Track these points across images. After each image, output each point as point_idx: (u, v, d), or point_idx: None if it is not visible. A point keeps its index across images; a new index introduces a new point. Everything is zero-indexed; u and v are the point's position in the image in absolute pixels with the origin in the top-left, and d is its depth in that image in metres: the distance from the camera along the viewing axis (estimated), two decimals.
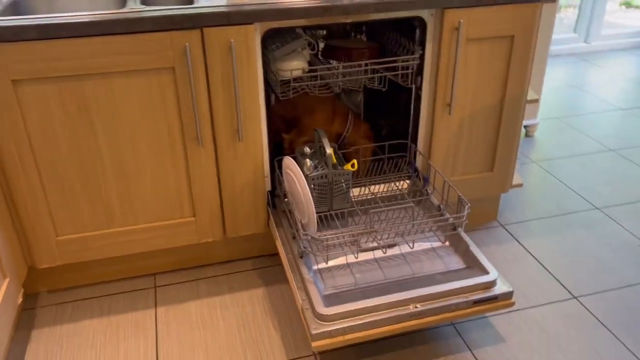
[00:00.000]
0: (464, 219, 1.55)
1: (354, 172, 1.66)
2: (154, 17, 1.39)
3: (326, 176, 1.60)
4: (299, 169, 1.52)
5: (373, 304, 1.36)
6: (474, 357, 1.51)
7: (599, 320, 1.62)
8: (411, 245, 1.59)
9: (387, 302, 1.37)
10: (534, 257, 1.90)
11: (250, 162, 1.65)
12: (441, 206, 1.71)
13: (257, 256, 1.89)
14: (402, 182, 1.88)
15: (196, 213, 1.68)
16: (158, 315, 1.66)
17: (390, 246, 1.61)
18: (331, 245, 1.54)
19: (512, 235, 2.01)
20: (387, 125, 2.07)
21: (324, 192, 1.62)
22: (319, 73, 1.67)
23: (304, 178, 1.51)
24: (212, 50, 1.47)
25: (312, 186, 1.61)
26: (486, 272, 1.46)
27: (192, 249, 1.83)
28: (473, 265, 1.52)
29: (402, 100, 1.92)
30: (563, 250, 1.92)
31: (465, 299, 1.41)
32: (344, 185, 1.62)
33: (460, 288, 1.41)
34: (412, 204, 1.71)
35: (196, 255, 1.85)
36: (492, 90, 1.78)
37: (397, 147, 1.96)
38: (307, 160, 1.67)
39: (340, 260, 1.57)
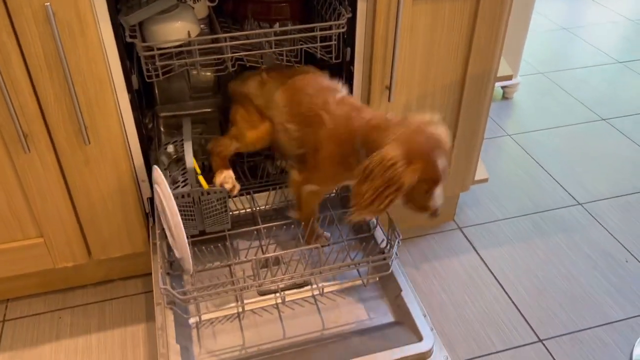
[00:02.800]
0: (393, 255, 1.14)
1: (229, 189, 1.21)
2: None
3: (188, 195, 1.16)
4: (167, 185, 1.08)
5: None
6: None
7: None
8: (320, 291, 1.18)
9: None
10: (493, 275, 1.52)
11: (109, 167, 1.20)
12: (372, 223, 1.30)
13: (144, 274, 1.48)
14: None
15: (44, 233, 1.25)
16: None
17: (300, 285, 1.21)
18: (198, 299, 1.13)
19: (470, 243, 1.62)
20: None
21: (190, 212, 1.19)
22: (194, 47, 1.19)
23: (172, 199, 1.08)
24: (22, 18, 0.98)
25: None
26: (419, 337, 1.08)
27: (55, 269, 1.42)
28: (404, 322, 1.13)
29: (335, 74, 1.45)
30: (530, 267, 1.54)
31: None
32: (217, 204, 1.19)
33: None
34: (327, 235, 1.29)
35: (62, 275, 1.43)
36: (449, 67, 1.31)
37: None
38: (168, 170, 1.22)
39: (230, 307, 1.17)
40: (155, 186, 1.14)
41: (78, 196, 1.22)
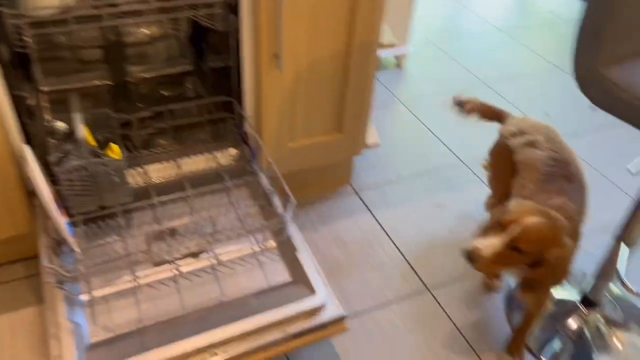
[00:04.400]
0: (288, 219, 1.18)
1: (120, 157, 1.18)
2: None
3: (84, 168, 1.13)
4: (34, 161, 1.04)
5: None
6: None
7: (448, 317, 1.38)
8: (218, 258, 1.20)
9: (173, 354, 1.00)
10: (386, 234, 1.61)
11: None
12: (269, 191, 1.33)
13: (32, 257, 1.42)
14: (226, 153, 1.45)
15: None
16: None
17: (195, 255, 1.22)
18: (88, 275, 1.11)
19: (365, 205, 1.70)
20: (206, 76, 1.59)
21: (86, 186, 1.16)
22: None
23: (40, 179, 1.03)
24: None
25: (67, 180, 1.13)
26: (312, 292, 1.13)
27: None
28: (299, 280, 1.18)
29: (225, 44, 1.44)
30: (420, 224, 1.65)
31: (282, 334, 1.07)
32: (115, 177, 1.16)
33: (276, 321, 1.07)
34: (225, 200, 1.30)
35: None
36: (334, 35, 1.35)
37: (222, 105, 1.51)
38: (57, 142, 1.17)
39: (124, 281, 1.16)
40: (27, 166, 1.09)
41: None
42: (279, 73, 1.33)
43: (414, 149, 1.95)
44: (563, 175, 1.17)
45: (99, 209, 1.22)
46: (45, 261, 1.01)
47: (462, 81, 2.35)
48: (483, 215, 1.68)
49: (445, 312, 1.39)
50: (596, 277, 1.30)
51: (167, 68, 1.77)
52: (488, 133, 2.07)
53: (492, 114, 1.46)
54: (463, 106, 1.50)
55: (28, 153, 1.05)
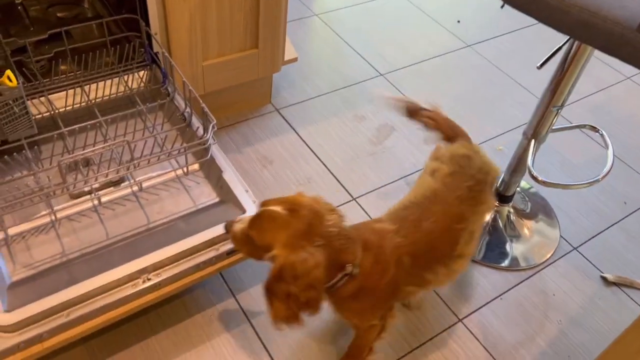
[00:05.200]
0: (209, 140, 1.15)
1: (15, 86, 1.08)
2: None
3: None
4: None
5: (82, 292, 0.96)
6: (239, 303, 1.24)
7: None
8: (139, 185, 1.16)
9: (104, 282, 0.98)
10: (310, 149, 1.62)
11: None
12: (186, 113, 1.28)
13: None
14: (136, 76, 1.37)
15: None
16: None
17: (116, 183, 1.17)
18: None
19: (288, 123, 1.69)
20: None
21: None
22: None
23: None
24: None
25: None
26: (242, 210, 1.13)
27: None
28: (228, 199, 1.17)
29: None
30: (342, 138, 1.67)
31: (215, 253, 1.08)
32: (15, 108, 1.07)
33: (207, 241, 1.07)
34: (142, 118, 1.24)
35: None
36: None
37: (127, 24, 1.41)
38: None
39: (42, 216, 1.10)
40: None
41: None
42: None
43: (332, 64, 1.93)
44: (422, 215, 1.00)
45: (1, 143, 1.12)
46: None
47: None
48: (403, 125, 1.73)
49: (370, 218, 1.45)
50: (509, 173, 1.39)
51: None
52: (403, 44, 2.09)
53: (451, 135, 1.16)
54: (416, 116, 1.21)
55: None
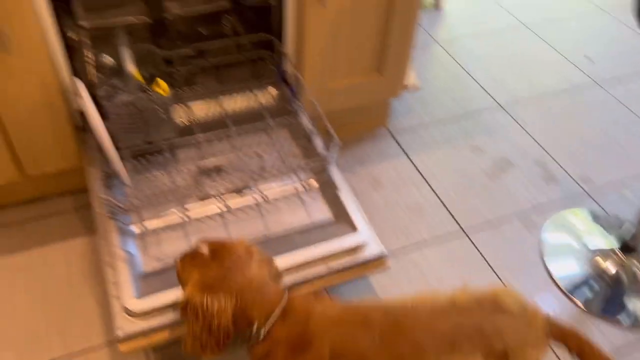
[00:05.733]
0: (331, 159, 1.19)
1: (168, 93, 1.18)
2: None
3: (132, 103, 1.14)
4: (88, 99, 1.05)
5: None
6: None
7: (484, 259, 1.41)
8: (264, 196, 1.23)
9: None
10: (422, 175, 1.62)
11: (35, 80, 1.14)
12: (310, 131, 1.33)
13: (79, 190, 1.46)
14: (266, 92, 1.45)
15: None
16: None
17: (240, 191, 1.25)
18: (140, 207, 1.14)
19: (401, 147, 1.70)
20: (244, 14, 1.56)
21: (134, 121, 1.17)
22: None
23: (94, 113, 1.05)
24: None
25: (115, 115, 1.15)
26: (354, 229, 1.16)
27: None
28: (341, 218, 1.20)
29: None
30: (456, 167, 1.65)
31: (326, 269, 1.11)
32: (161, 112, 1.18)
33: (321, 256, 1.11)
34: (266, 139, 1.30)
35: None
36: None
37: (261, 43, 1.50)
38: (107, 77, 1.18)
39: (174, 214, 1.19)
40: (80, 100, 1.11)
41: (5, 110, 1.17)
42: (322, 9, 1.30)
43: (451, 92, 1.92)
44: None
45: (146, 143, 1.24)
46: (100, 192, 1.05)
47: (503, 23, 2.28)
48: (521, 159, 1.68)
49: (481, 254, 1.42)
50: (636, 221, 1.30)
51: (203, 5, 1.75)
52: (526, 76, 2.03)
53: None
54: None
55: (80, 86, 1.07)
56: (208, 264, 0.88)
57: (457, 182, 1.60)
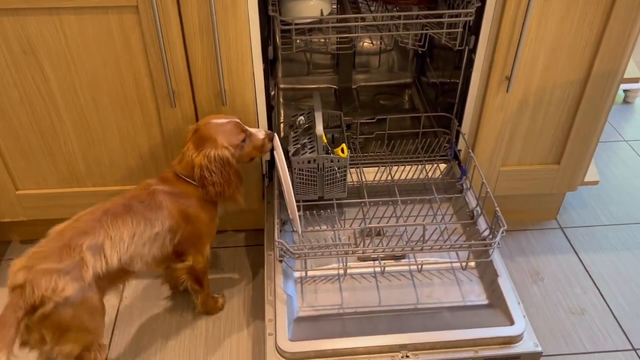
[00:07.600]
0: (495, 243, 1.17)
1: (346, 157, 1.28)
2: None
3: (314, 161, 1.25)
4: (281, 151, 1.19)
5: (350, 346, 1.06)
6: None
7: None
8: (419, 267, 1.24)
9: (369, 345, 1.07)
10: (591, 278, 1.49)
11: None
12: (475, 211, 1.33)
13: (251, 229, 1.61)
14: (435, 167, 1.49)
15: None
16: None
17: (397, 258, 1.28)
18: (308, 255, 1.22)
19: (570, 244, 1.60)
20: (423, 90, 1.64)
21: (312, 178, 1.28)
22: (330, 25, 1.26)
23: (284, 165, 1.18)
24: None
25: (298, 170, 1.27)
26: (511, 321, 1.11)
27: None
28: (496, 305, 1.17)
29: (450, 61, 1.48)
30: (632, 277, 1.50)
31: (473, 354, 1.08)
32: (338, 173, 1.27)
33: (471, 340, 1.08)
34: (431, 212, 1.33)
35: None
36: (574, 62, 1.30)
37: (437, 119, 1.56)
38: (296, 136, 1.31)
39: (332, 267, 1.26)
40: (275, 152, 1.25)
41: None
42: (506, 95, 1.32)
43: (633, 192, 1.77)
44: None
45: (319, 199, 1.34)
46: (276, 235, 1.16)
47: None
48: None
49: None
50: None
51: (388, 79, 1.89)
52: None
53: None
54: None
55: (276, 140, 1.21)
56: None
57: (631, 293, 1.45)
